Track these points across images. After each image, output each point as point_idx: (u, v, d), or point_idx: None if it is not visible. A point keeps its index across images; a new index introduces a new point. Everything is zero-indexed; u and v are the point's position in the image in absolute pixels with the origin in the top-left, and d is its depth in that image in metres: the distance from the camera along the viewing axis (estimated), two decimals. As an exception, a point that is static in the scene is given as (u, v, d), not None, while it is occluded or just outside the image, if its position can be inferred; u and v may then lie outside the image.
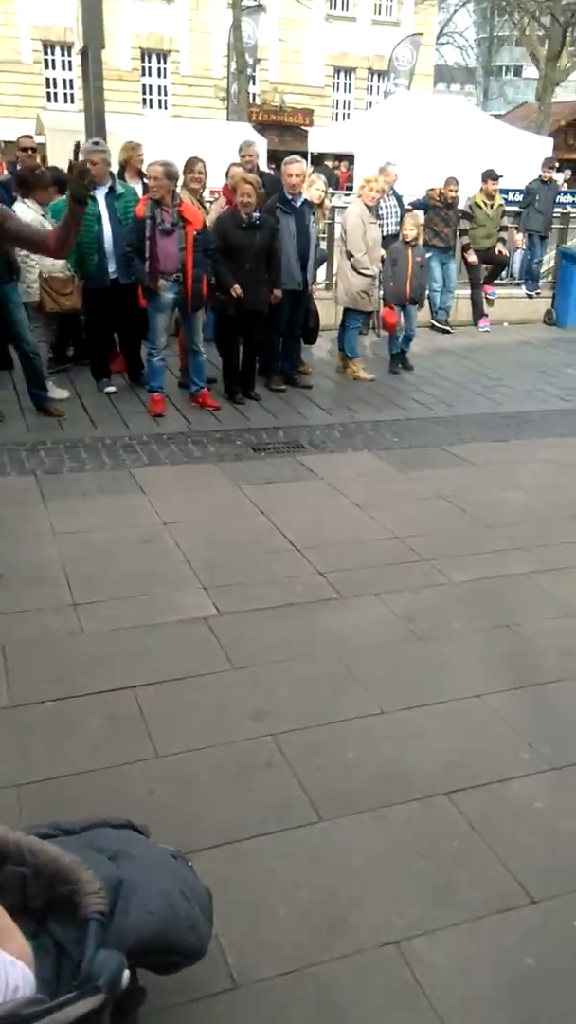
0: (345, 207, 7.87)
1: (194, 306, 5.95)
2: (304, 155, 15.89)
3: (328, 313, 7.89)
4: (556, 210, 10.56)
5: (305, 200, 6.67)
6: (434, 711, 2.86)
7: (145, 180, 6.54)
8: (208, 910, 1.70)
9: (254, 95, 23.90)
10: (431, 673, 3.09)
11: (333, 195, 10.00)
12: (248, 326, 6.33)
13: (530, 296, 10.35)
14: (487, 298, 9.80)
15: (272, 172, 8.71)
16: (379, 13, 27.33)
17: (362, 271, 7.03)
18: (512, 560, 3.99)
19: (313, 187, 7.32)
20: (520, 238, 10.39)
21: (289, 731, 2.72)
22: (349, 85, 27.68)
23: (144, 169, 6.75)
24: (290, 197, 6.51)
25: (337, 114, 27.16)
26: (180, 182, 6.23)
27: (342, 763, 2.59)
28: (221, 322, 6.43)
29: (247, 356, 6.55)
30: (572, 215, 11.21)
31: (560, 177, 22.32)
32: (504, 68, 42.68)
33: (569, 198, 17.03)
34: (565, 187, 20.05)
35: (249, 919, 2.05)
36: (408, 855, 2.25)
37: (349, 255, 7.00)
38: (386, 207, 8.49)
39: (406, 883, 2.17)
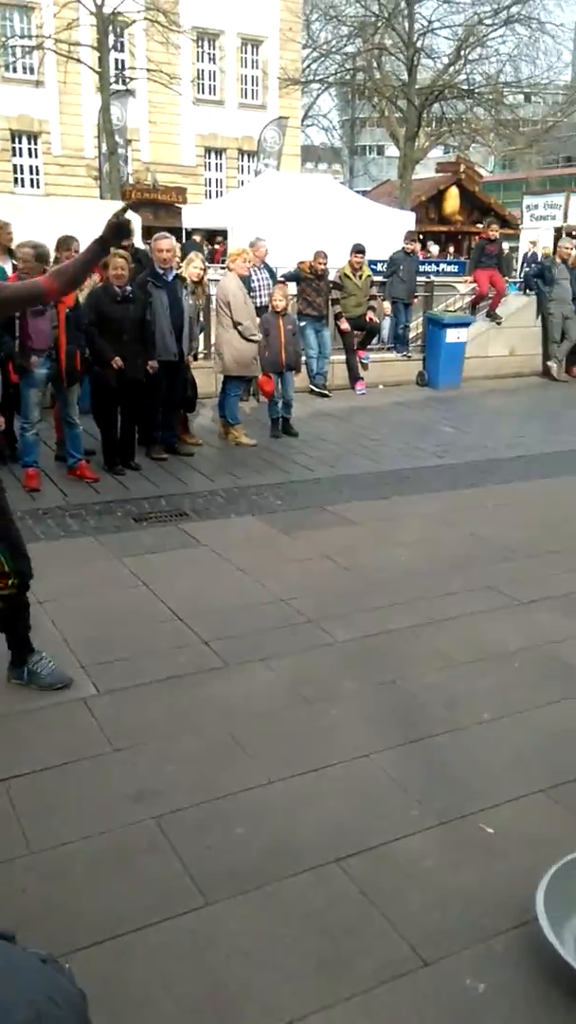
0: (219, 279, 8.09)
1: (68, 381, 5.96)
2: (178, 231, 16.37)
3: (207, 381, 7.99)
4: (419, 279, 11.24)
5: (177, 274, 6.82)
6: (323, 775, 2.82)
7: (14, 260, 6.52)
8: (84, 1016, 1.58)
9: (128, 174, 24.49)
10: (320, 736, 3.06)
11: (208, 268, 10.27)
12: (127, 396, 6.32)
13: (407, 358, 10.87)
14: (362, 362, 10.24)
15: (146, 248, 8.87)
16: (245, 97, 28.81)
17: (250, 337, 7.20)
18: (395, 615, 4.06)
19: (191, 265, 7.53)
20: (387, 305, 10.97)
21: (173, 811, 2.61)
22: (220, 164, 28.86)
23: (13, 248, 6.73)
24: (161, 271, 6.64)
25: (210, 191, 28.19)
26: (53, 260, 6.24)
27: (229, 840, 2.50)
28: (98, 393, 6.39)
29: (126, 425, 6.52)
30: (435, 283, 11.98)
31: (435, 249, 23.83)
32: (367, 147, 45.64)
33: (432, 267, 18.25)
34: (435, 256, 21.46)
35: (133, 1020, 1.91)
36: (299, 930, 2.18)
37: (236, 324, 7.12)
38: (258, 280, 8.80)
39: (298, 960, 2.09)
